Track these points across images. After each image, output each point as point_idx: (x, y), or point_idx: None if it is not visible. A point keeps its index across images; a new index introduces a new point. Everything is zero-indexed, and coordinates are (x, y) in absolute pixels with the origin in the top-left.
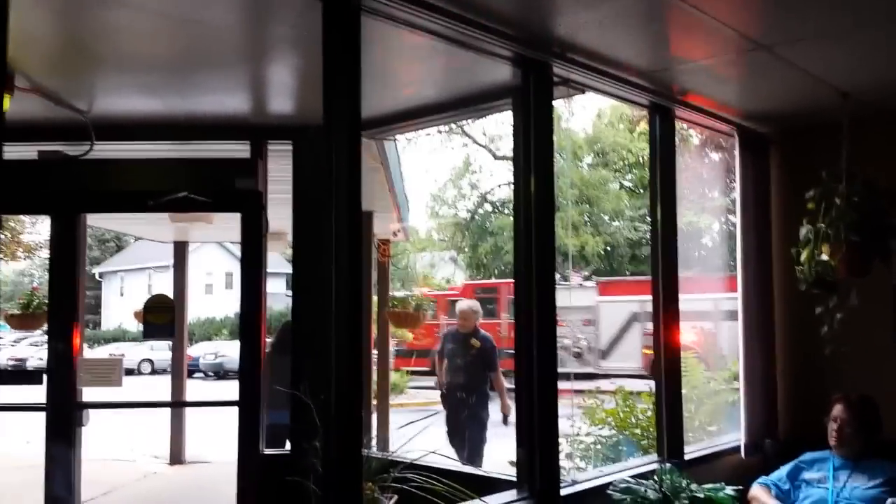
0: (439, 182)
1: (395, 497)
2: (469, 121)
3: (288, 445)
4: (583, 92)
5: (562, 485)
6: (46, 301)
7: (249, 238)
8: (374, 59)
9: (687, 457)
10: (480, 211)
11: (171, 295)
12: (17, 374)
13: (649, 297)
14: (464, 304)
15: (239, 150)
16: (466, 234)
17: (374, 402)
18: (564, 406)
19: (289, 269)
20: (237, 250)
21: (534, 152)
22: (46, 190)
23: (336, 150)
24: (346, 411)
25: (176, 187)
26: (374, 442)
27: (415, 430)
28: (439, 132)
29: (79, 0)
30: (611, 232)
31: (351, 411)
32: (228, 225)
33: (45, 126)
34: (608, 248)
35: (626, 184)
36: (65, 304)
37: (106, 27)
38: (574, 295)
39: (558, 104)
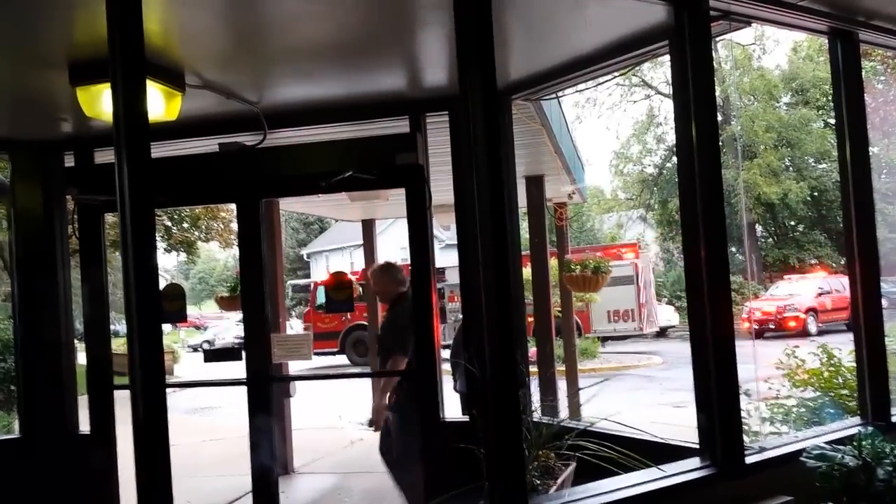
0: (622, 138)
1: (573, 464)
2: (634, 68)
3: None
4: (748, 24)
5: (747, 452)
6: None
7: (414, 211)
8: (522, 14)
9: (895, 419)
10: (668, 165)
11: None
12: (220, 352)
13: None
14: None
15: (399, 125)
16: (655, 191)
17: (560, 367)
18: (762, 367)
19: None
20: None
21: (693, 96)
22: (229, 179)
23: (472, 113)
24: (500, 379)
25: (343, 167)
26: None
27: (586, 396)
28: (618, 85)
29: None
30: (816, 176)
31: (503, 378)
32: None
33: (222, 119)
34: (814, 194)
35: (832, 121)
36: (254, 285)
37: (268, 20)
38: None
39: (747, 42)
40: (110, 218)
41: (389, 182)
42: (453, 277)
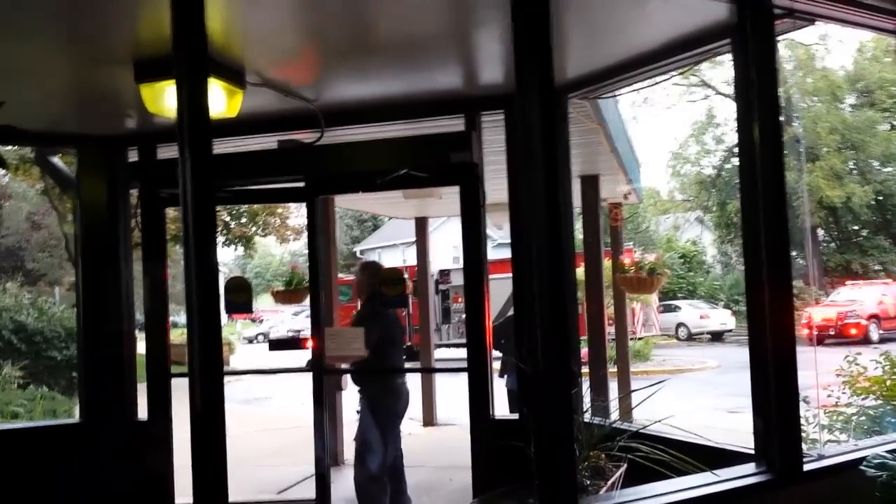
0: (680, 139)
1: (625, 466)
2: (693, 67)
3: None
4: (812, 22)
5: (805, 459)
6: (305, 278)
7: (468, 210)
8: (579, 12)
9: None
10: (727, 166)
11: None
12: (284, 342)
13: None
14: None
15: (454, 123)
16: (713, 192)
17: (612, 368)
18: (822, 374)
19: None
20: None
21: (756, 95)
22: (288, 176)
23: (528, 112)
24: (551, 379)
25: (398, 165)
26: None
27: (639, 398)
28: (675, 85)
29: None
30: (881, 180)
31: (555, 379)
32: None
33: (280, 116)
34: (879, 199)
35: None
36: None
37: (327, 19)
38: None
39: (810, 42)
40: (170, 212)
41: (444, 180)
42: (457, 279)
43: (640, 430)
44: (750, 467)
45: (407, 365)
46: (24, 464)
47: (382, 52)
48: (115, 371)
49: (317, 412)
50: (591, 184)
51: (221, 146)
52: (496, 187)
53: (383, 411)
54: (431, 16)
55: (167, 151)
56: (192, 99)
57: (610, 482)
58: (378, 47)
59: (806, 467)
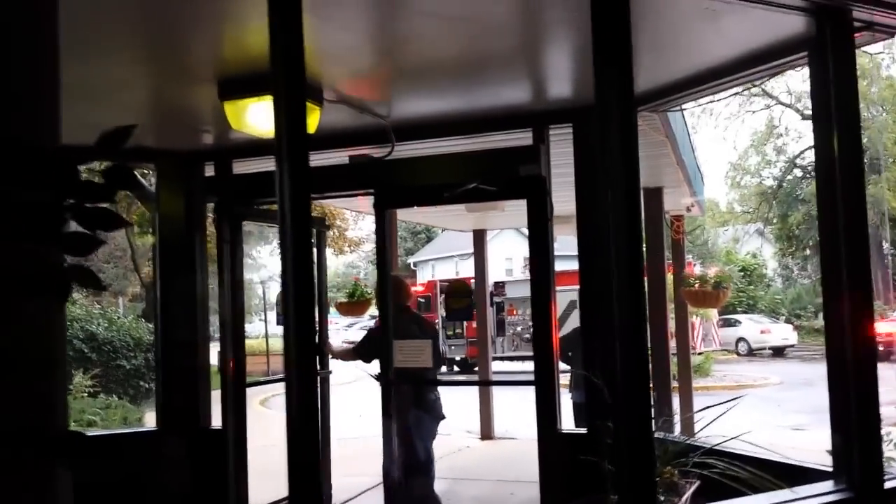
0: (739, 149)
1: (698, 483)
2: (767, 80)
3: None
4: (891, 36)
5: (886, 477)
6: (367, 290)
7: (536, 222)
8: (651, 26)
9: None
10: (789, 177)
11: (473, 279)
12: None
13: None
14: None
15: (521, 137)
16: (774, 204)
17: (674, 383)
18: (891, 391)
19: None
20: None
21: (835, 109)
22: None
23: (609, 125)
24: (633, 394)
25: (466, 179)
26: (677, 426)
27: (714, 414)
28: (736, 94)
29: (378, 14)
30: None
31: (637, 394)
32: (521, 211)
33: (352, 132)
34: None
35: None
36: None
37: (402, 38)
38: None
39: (875, 50)
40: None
41: (512, 193)
42: (512, 292)
43: (714, 447)
44: (829, 485)
45: (461, 378)
46: (106, 470)
47: (454, 71)
48: (190, 380)
49: (385, 423)
50: (654, 196)
51: None
52: (558, 199)
53: (420, 425)
54: (505, 35)
55: (242, 166)
56: (291, 114)
57: (684, 498)
58: (450, 65)
59: (887, 485)
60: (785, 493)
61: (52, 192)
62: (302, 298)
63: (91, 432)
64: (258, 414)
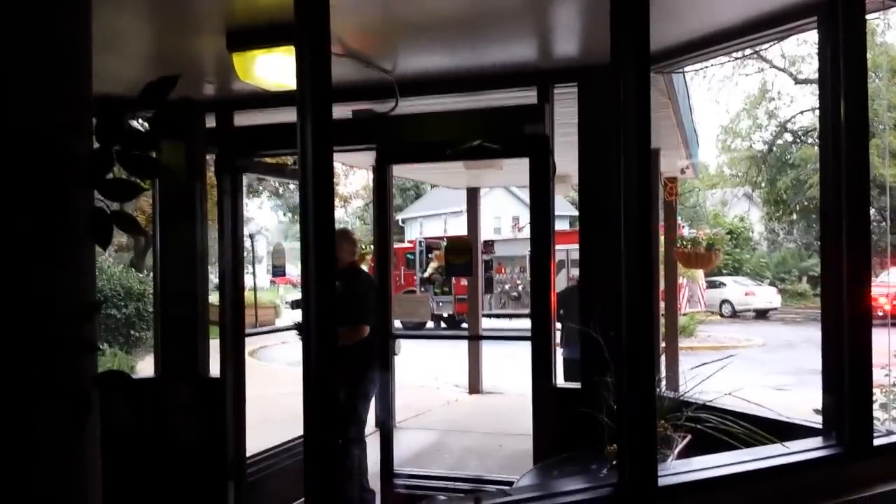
0: (731, 113)
1: (689, 437)
2: (774, 44)
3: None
4: None
5: (875, 434)
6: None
7: (538, 181)
8: None
9: None
10: (779, 142)
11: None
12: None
13: None
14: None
15: (526, 95)
16: (763, 168)
17: (662, 343)
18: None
19: (573, 212)
20: (522, 194)
21: (843, 75)
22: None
23: (624, 87)
24: (638, 350)
25: (469, 136)
26: (662, 382)
27: (705, 373)
28: (731, 59)
29: None
30: None
31: (642, 350)
32: (516, 169)
33: (355, 87)
34: None
35: None
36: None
37: None
38: None
39: (870, 17)
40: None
41: (515, 152)
42: (502, 250)
43: (706, 403)
44: (818, 440)
45: (458, 333)
46: (102, 417)
47: (461, 26)
48: (189, 330)
49: (383, 376)
50: (651, 157)
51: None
52: (561, 159)
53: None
54: None
55: (242, 118)
56: (315, 66)
57: (676, 451)
58: (457, 20)
59: (876, 442)
60: (777, 448)
61: (99, 139)
62: (323, 251)
63: None
64: (249, 365)
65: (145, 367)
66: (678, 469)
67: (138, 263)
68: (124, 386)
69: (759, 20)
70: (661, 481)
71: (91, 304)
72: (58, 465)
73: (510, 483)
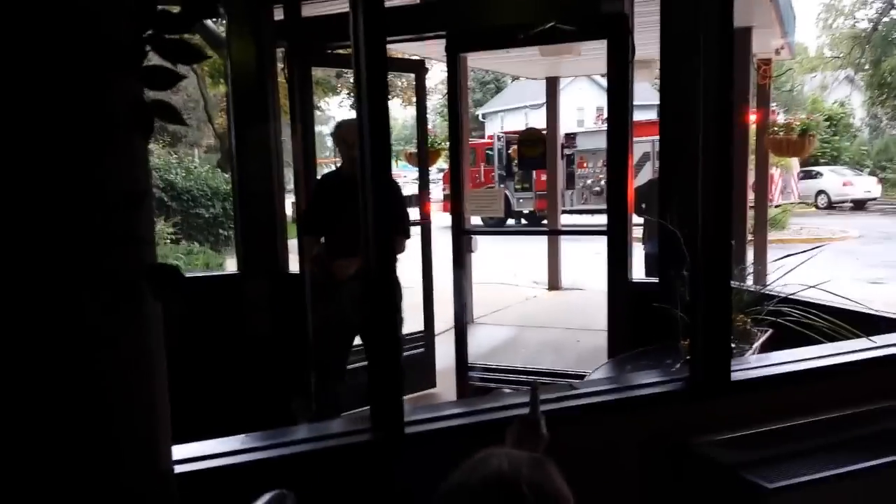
0: None
1: (770, 331)
2: None
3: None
4: None
5: None
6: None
7: (615, 65)
8: None
9: None
10: (885, 20)
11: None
12: None
13: None
14: None
15: None
16: (867, 49)
17: (750, 235)
18: None
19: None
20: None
21: None
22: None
23: None
24: (714, 242)
25: (543, 18)
26: (749, 275)
27: (793, 264)
28: None
29: None
30: None
31: (717, 240)
32: (596, 55)
33: None
34: None
35: None
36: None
37: None
38: None
39: None
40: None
41: (591, 34)
42: (584, 143)
43: (790, 296)
44: None
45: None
46: (191, 310)
47: None
48: (268, 228)
49: (456, 272)
50: (743, 36)
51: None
52: (644, 42)
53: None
54: None
55: (311, 9)
56: None
57: (756, 345)
58: None
59: None
60: (861, 342)
61: (132, 23)
62: (378, 146)
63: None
64: None
65: (233, 263)
66: (753, 364)
67: (223, 164)
68: (174, 280)
69: None
70: (735, 376)
71: (137, 192)
72: (112, 348)
73: (583, 377)
